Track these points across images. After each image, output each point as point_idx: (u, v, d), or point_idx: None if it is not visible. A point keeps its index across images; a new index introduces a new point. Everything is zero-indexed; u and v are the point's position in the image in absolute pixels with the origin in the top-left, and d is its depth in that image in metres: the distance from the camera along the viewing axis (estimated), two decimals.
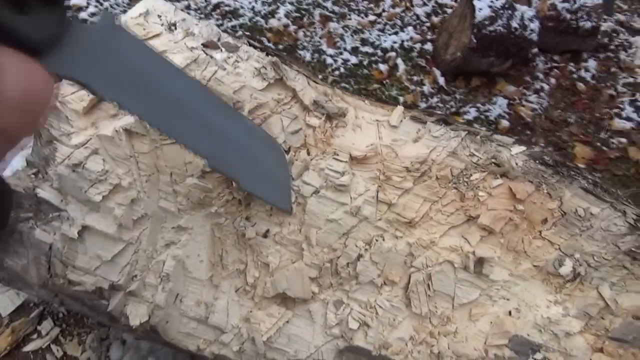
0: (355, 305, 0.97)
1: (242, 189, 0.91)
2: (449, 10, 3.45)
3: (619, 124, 3.02)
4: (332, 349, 0.95)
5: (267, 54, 1.07)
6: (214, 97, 0.88)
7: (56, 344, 1.13)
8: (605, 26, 3.34)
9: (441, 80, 3.13)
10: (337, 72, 3.07)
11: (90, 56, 0.64)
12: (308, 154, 1.02)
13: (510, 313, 0.98)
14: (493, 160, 1.05)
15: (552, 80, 3.22)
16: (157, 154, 0.95)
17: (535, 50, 3.11)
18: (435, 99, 3.07)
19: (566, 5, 3.14)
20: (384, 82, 3.13)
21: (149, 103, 0.72)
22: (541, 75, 3.26)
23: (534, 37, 2.99)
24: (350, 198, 0.99)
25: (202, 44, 1.04)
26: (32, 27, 0.55)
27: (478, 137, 1.08)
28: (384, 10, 3.43)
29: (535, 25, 3.00)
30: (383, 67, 3.16)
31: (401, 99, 3.06)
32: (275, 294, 0.95)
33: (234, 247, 0.98)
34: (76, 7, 2.96)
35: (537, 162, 1.05)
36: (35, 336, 1.14)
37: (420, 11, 3.45)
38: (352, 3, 3.47)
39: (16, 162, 1.10)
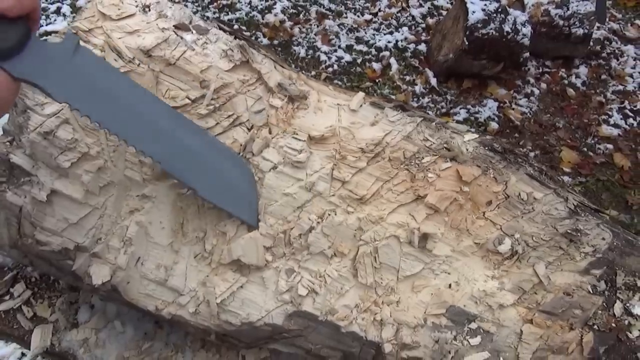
0: (305, 274, 1.03)
1: (201, 197, 0.97)
2: (445, 13, 3.51)
3: (606, 130, 3.07)
4: (281, 313, 1.01)
5: (236, 38, 1.13)
6: (175, 113, 0.97)
7: (27, 306, 1.21)
8: (598, 34, 3.38)
9: (433, 81, 3.18)
10: (330, 69, 3.13)
11: (47, 64, 0.75)
12: (270, 132, 1.08)
13: (450, 286, 1.04)
14: (445, 145, 1.10)
15: (543, 85, 3.26)
16: None
17: (527, 54, 3.15)
18: (426, 99, 3.13)
19: (559, 11, 3.18)
20: (377, 80, 3.19)
21: (101, 108, 0.83)
22: (532, 80, 3.31)
23: (526, 41, 3.04)
24: (306, 174, 1.05)
25: (173, 26, 1.10)
26: None
27: (433, 123, 1.14)
28: (380, 10, 3.50)
29: (527, 30, 3.04)
30: (376, 65, 3.22)
31: (393, 97, 3.11)
32: (231, 260, 1.01)
33: (195, 216, 1.04)
34: None
35: (487, 148, 1.11)
36: (7, 297, 1.21)
37: (416, 12, 3.52)
38: (349, 1, 3.54)
39: None
